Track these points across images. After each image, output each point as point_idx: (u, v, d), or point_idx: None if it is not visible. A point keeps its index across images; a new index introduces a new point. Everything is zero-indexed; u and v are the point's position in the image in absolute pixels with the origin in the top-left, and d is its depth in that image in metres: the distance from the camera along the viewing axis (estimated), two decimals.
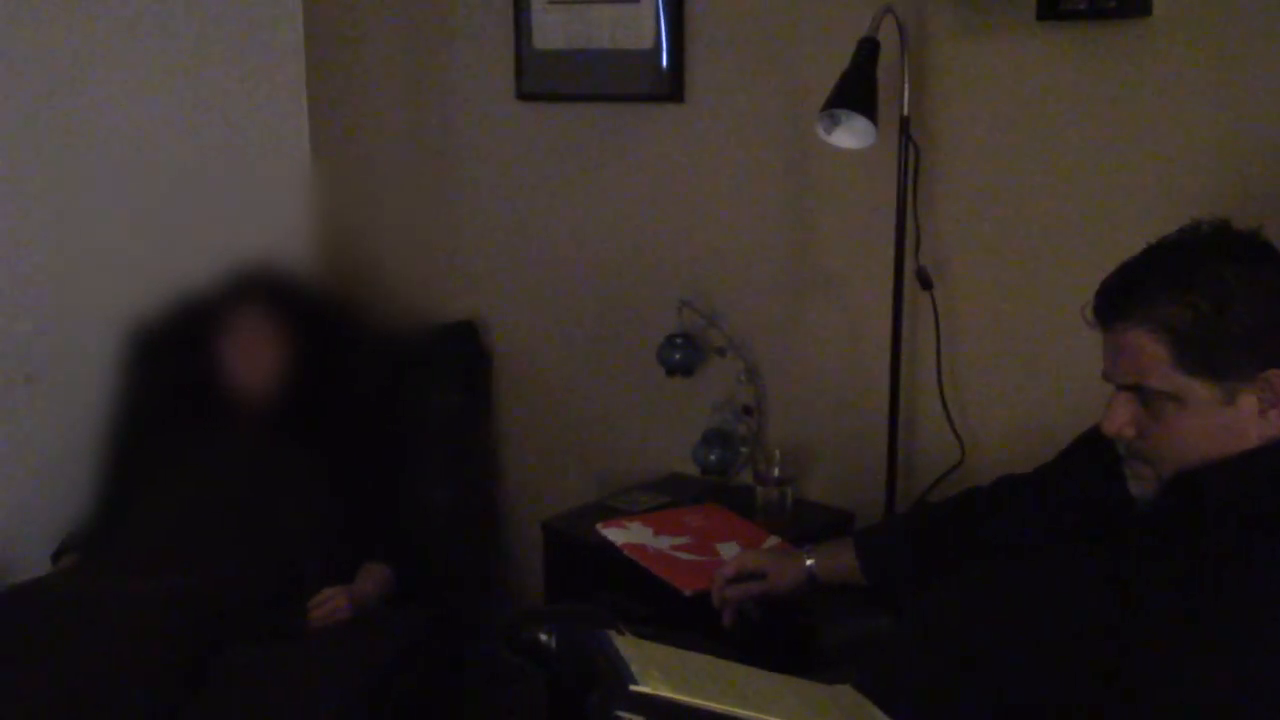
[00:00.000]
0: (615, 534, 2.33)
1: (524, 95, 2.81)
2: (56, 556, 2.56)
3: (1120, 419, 1.51)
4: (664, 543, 2.29)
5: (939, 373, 2.31)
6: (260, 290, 2.57)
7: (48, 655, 2.05)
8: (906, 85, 2.20)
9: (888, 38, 2.17)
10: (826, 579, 1.92)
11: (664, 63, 2.58)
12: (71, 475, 2.72)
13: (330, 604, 2.31)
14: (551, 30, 2.73)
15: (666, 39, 2.57)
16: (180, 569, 2.25)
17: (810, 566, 1.92)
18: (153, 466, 2.52)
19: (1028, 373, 2.26)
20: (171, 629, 2.10)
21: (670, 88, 2.58)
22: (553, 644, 1.88)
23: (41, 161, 2.75)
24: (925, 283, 2.29)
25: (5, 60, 2.67)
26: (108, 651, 2.05)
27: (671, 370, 2.61)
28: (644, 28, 2.59)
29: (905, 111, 2.21)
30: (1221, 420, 1.46)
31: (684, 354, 2.59)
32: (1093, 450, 1.69)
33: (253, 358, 2.50)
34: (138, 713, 2.00)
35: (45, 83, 2.73)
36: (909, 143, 2.23)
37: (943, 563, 1.80)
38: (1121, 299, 1.50)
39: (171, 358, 2.70)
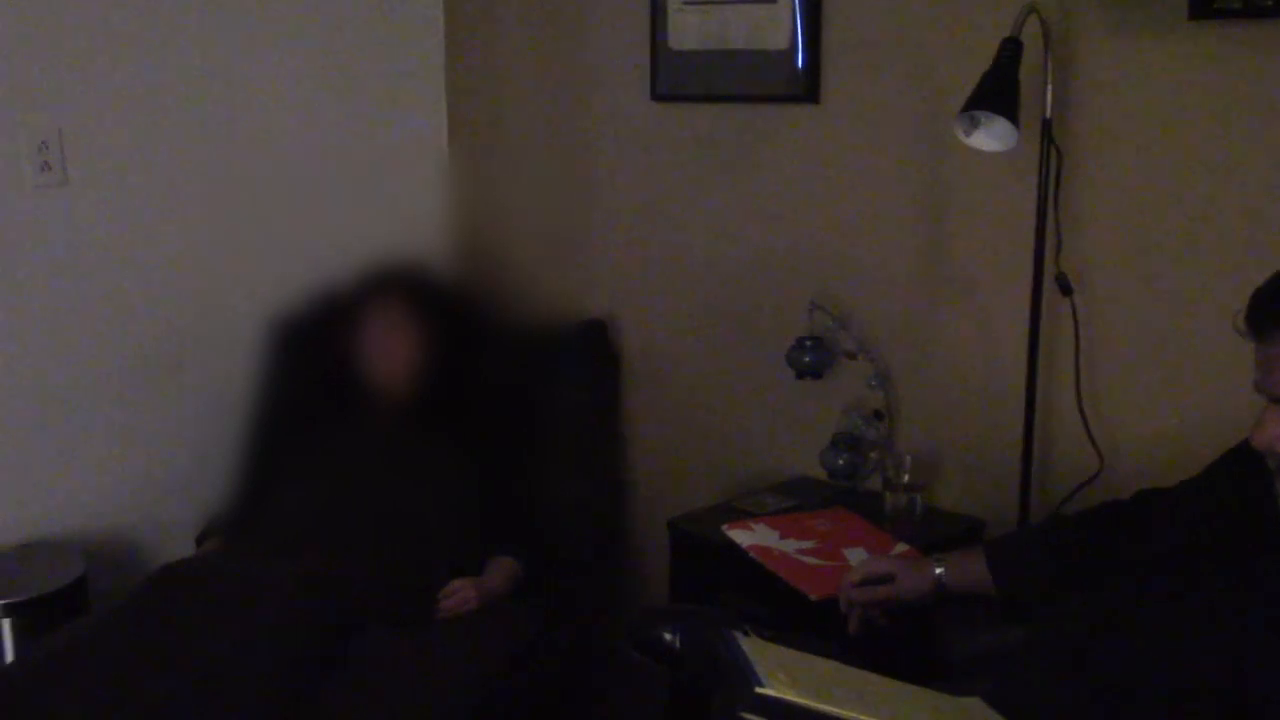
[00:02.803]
0: (741, 536, 2.33)
1: (658, 96, 2.82)
2: (201, 539, 2.66)
3: (1272, 433, 1.45)
4: (790, 546, 2.28)
5: (1077, 381, 2.26)
6: (398, 284, 2.62)
7: (192, 631, 2.12)
8: (1049, 86, 2.15)
9: (1031, 37, 2.12)
10: (955, 588, 1.89)
11: (799, 63, 2.57)
12: (216, 461, 2.82)
13: (459, 595, 2.35)
14: (687, 30, 2.73)
15: (802, 39, 2.55)
16: (318, 555, 2.31)
17: (939, 575, 1.89)
18: (293, 454, 2.59)
19: (1172, 383, 2.19)
20: (308, 613, 2.16)
21: (805, 88, 2.57)
22: (677, 643, 1.88)
23: (189, 158, 2.85)
24: (1065, 288, 2.24)
25: (157, 63, 2.77)
26: (248, 631, 2.11)
27: (801, 373, 2.59)
28: (780, 28, 2.58)
29: (1048, 113, 2.16)
30: None
31: (814, 356, 2.57)
32: (1241, 465, 1.63)
33: (390, 350, 2.56)
34: (274, 691, 2.06)
35: (192, 83, 2.83)
36: (1051, 145, 2.18)
37: (1078, 577, 1.75)
38: (1275, 308, 1.45)
39: (312, 349, 2.77)
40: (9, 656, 2.45)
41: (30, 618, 2.45)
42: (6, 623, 2.45)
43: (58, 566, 2.59)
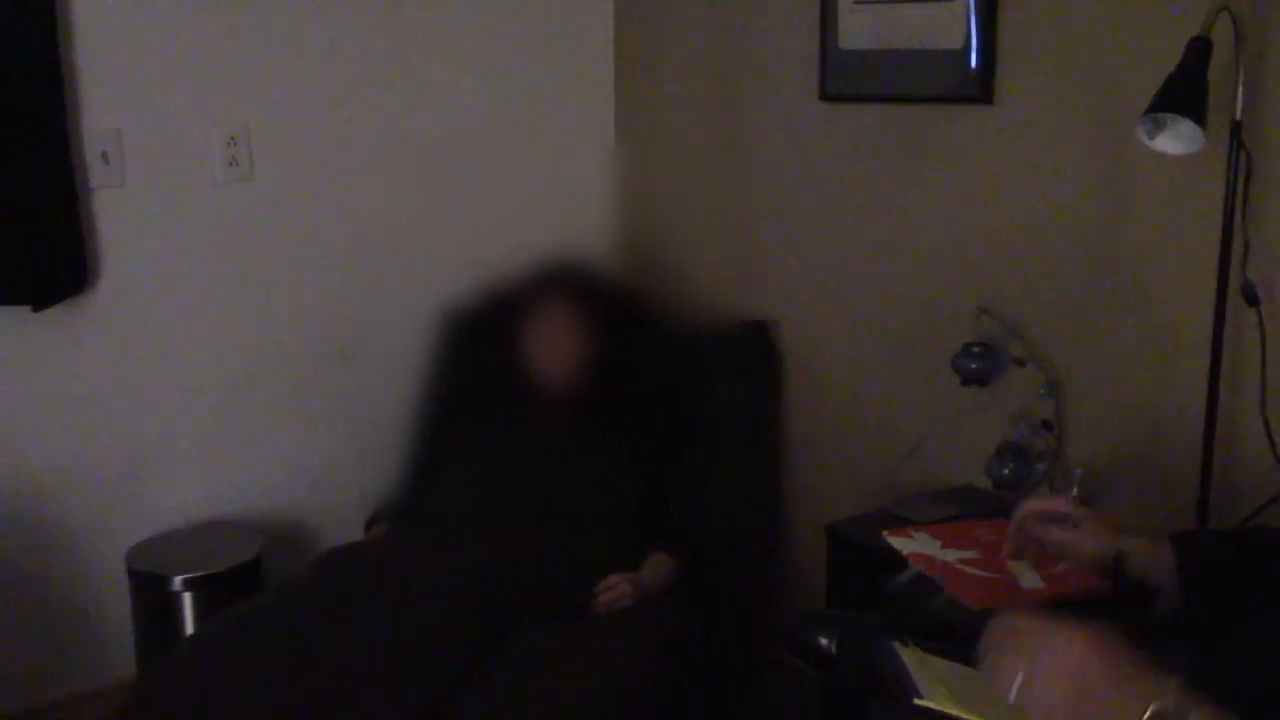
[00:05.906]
0: (901, 543, 2.28)
1: (827, 96, 2.80)
2: (369, 525, 2.74)
3: None
4: (951, 556, 2.23)
5: (1263, 395, 2.16)
6: (565, 281, 2.67)
7: (356, 615, 2.19)
8: (1240, 88, 2.06)
9: (1220, 36, 2.04)
10: (1134, 569, 1.78)
11: (973, 63, 2.51)
12: (385, 449, 2.91)
13: (615, 590, 2.37)
14: (858, 30, 2.70)
15: (977, 38, 2.50)
16: (479, 546, 2.36)
17: (1123, 542, 1.78)
18: (459, 446, 2.66)
19: None
20: (468, 603, 2.21)
21: (979, 89, 2.51)
22: (833, 649, 1.87)
23: (366, 154, 2.95)
24: (1251, 298, 2.14)
25: (337, 64, 2.87)
26: (409, 618, 2.17)
27: (967, 379, 2.54)
28: (954, 27, 2.53)
29: (1238, 115, 2.07)
30: None
31: (981, 363, 2.52)
32: None
33: (555, 346, 2.60)
34: (432, 678, 2.11)
35: (370, 82, 2.93)
36: (1240, 149, 2.09)
37: (1268, 586, 1.65)
38: None
39: (480, 342, 2.83)
40: (189, 629, 2.58)
41: (208, 593, 2.58)
42: (187, 597, 2.58)
43: (235, 546, 2.71)
